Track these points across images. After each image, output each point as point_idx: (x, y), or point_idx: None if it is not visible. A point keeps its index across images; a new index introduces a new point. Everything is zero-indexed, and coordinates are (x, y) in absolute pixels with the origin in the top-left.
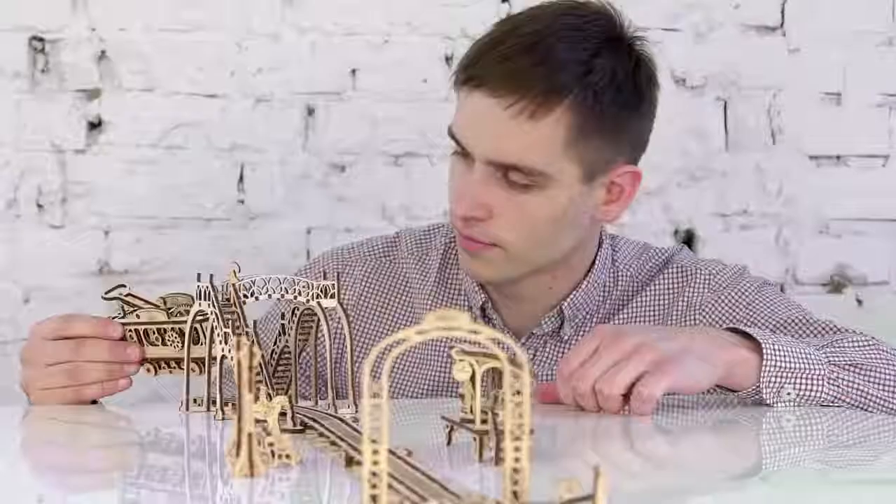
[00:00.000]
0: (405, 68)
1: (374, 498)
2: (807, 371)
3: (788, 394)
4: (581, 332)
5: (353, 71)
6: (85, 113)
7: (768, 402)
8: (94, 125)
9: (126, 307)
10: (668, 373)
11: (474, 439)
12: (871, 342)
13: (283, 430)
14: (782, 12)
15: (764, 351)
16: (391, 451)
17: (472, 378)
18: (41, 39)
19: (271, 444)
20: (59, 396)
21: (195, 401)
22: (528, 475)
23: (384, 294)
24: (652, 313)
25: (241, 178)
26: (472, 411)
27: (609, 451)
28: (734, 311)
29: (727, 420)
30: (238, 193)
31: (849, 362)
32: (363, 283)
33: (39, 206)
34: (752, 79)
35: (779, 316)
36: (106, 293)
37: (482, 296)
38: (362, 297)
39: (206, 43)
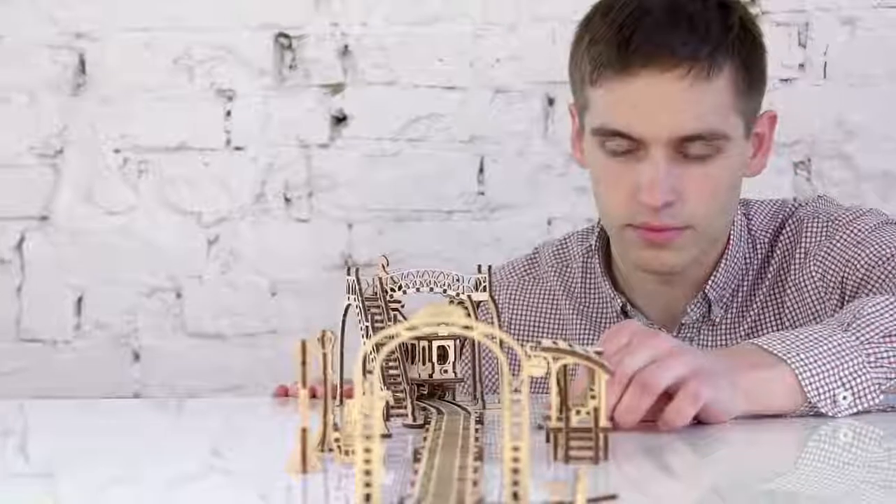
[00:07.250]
0: None
1: (367, 497)
2: (846, 366)
3: (844, 398)
4: (731, 312)
5: None
6: (329, 107)
7: (830, 414)
8: (339, 119)
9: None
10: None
11: (547, 438)
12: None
13: (405, 426)
14: None
15: (792, 366)
16: (465, 449)
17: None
18: (287, 36)
19: (337, 440)
20: None
21: None
22: (528, 475)
23: (532, 313)
24: (781, 274)
25: (482, 170)
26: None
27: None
28: (844, 252)
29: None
30: (478, 185)
31: (881, 333)
32: (510, 307)
33: (287, 199)
34: None
35: (885, 251)
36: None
37: (621, 299)
38: (511, 321)
39: (445, 35)
